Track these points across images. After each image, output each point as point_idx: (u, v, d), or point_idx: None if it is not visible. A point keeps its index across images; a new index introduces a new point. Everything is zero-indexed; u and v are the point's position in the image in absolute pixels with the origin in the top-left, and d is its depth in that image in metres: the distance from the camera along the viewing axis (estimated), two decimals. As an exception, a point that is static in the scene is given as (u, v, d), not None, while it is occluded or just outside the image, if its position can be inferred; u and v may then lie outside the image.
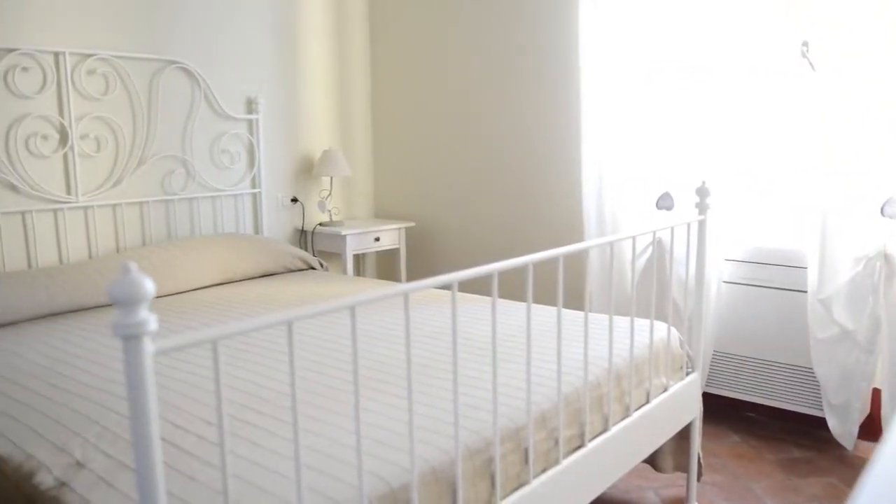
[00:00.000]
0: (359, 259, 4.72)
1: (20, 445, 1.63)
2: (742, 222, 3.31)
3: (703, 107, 3.22)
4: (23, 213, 3.15)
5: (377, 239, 4.26)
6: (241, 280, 3.46)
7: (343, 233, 4.05)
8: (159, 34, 3.56)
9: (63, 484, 1.44)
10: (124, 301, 0.92)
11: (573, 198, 3.79)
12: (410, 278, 4.60)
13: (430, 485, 1.49)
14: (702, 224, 2.48)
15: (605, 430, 2.07)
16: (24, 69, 3.11)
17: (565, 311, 2.73)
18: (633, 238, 2.14)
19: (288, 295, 3.12)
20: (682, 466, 2.62)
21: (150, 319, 0.94)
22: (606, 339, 2.33)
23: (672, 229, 2.36)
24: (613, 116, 3.44)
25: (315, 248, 4.27)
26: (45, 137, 3.19)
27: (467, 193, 4.27)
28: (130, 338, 0.93)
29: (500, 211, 4.12)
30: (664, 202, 3.35)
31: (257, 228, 4.07)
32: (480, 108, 4.13)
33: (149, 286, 0.93)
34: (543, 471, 1.81)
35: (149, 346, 0.95)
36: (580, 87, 3.53)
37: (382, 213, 4.77)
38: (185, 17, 3.66)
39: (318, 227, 4.22)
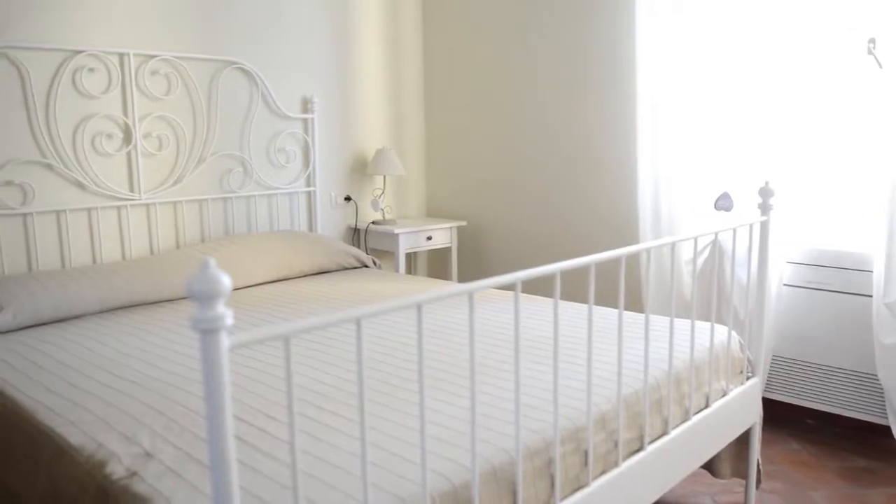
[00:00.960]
0: (410, 257, 4.74)
1: (91, 435, 1.68)
2: (804, 224, 3.22)
3: (764, 105, 3.15)
4: (89, 210, 3.24)
5: (429, 238, 4.28)
6: (296, 277, 3.51)
7: (395, 231, 4.08)
8: (218, 35, 3.63)
9: (133, 473, 1.48)
10: (203, 296, 0.94)
11: (627, 198, 3.74)
12: (461, 278, 4.61)
13: (491, 484, 1.49)
14: (764, 225, 2.43)
15: (664, 433, 2.04)
16: (91, 70, 3.20)
17: (614, 312, 2.70)
18: (695, 239, 2.11)
19: (344, 292, 3.15)
20: (741, 473, 2.57)
21: (227, 314, 0.96)
22: (664, 341, 2.30)
23: (734, 230, 2.32)
24: (670, 115, 3.39)
25: (367, 246, 4.31)
26: (109, 136, 3.28)
27: (519, 193, 4.26)
28: (208, 332, 0.95)
29: (552, 211, 4.10)
30: (723, 202, 3.29)
31: (311, 226, 4.12)
32: (534, 107, 4.11)
33: (226, 282, 0.95)
34: (602, 473, 1.80)
35: (225, 341, 0.97)
36: (636, 85, 3.49)
37: (434, 212, 4.78)
38: (244, 18, 3.72)
39: (371, 225, 4.25)
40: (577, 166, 3.96)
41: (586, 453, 1.74)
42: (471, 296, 1.36)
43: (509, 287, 2.08)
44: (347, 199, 4.32)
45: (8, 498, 1.80)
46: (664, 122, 3.41)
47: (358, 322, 1.17)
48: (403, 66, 4.55)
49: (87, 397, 1.92)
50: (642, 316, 2.61)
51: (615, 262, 3.55)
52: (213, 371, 0.96)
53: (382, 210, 4.35)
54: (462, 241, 4.61)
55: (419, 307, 1.26)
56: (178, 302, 3.03)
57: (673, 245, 1.98)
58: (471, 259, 4.59)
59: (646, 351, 1.92)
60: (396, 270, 4.14)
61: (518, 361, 1.46)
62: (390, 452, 1.52)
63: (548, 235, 4.15)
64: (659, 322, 2.55)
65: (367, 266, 3.80)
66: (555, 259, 4.08)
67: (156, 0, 3.39)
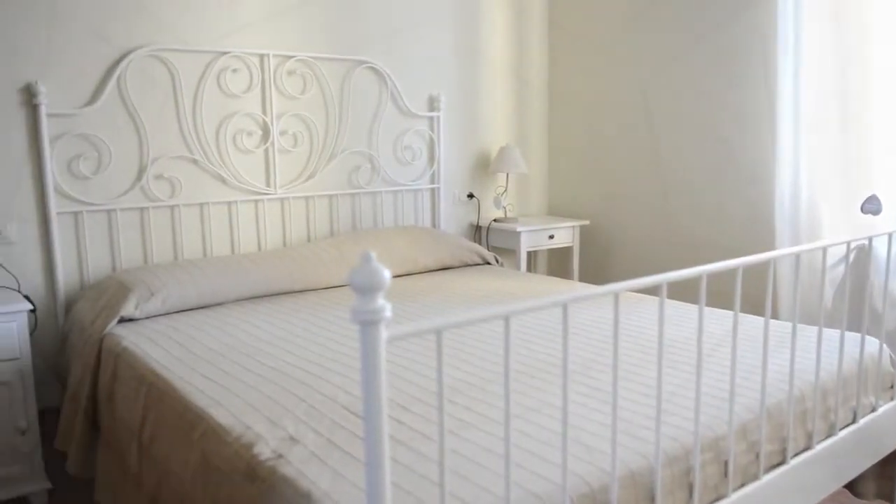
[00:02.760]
0: (531, 256, 4.72)
1: (239, 417, 1.76)
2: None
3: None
4: (229, 204, 3.42)
5: (551, 236, 4.24)
6: (420, 272, 3.56)
7: (518, 229, 4.07)
8: (351, 36, 3.73)
9: (280, 456, 1.55)
10: (365, 288, 0.96)
11: (763, 200, 3.57)
12: (582, 278, 4.55)
13: (629, 489, 1.46)
14: (923, 231, 2.26)
15: (808, 447, 1.94)
16: (234, 70, 3.37)
17: (754, 319, 2.59)
18: (848, 244, 1.99)
19: (470, 289, 3.17)
20: (885, 494, 2.40)
21: (386, 307, 0.98)
22: (809, 351, 2.19)
23: (890, 236, 2.17)
24: (812, 114, 3.21)
25: (489, 243, 4.32)
26: (249, 134, 3.45)
27: (645, 193, 4.15)
28: (368, 324, 0.98)
29: (680, 212, 3.97)
30: (871, 206, 3.08)
31: (434, 223, 4.18)
32: (660, 105, 3.99)
33: (387, 275, 0.98)
34: (742, 485, 1.73)
35: (384, 333, 0.99)
36: (776, 85, 3.33)
37: (556, 211, 4.74)
38: (375, 19, 3.81)
39: (493, 222, 4.26)
40: (707, 167, 3.82)
41: (726, 464, 1.67)
42: (616, 297, 1.34)
43: (653, 289, 2.03)
44: (470, 196, 4.35)
45: (162, 474, 1.92)
46: (806, 122, 3.23)
47: (507, 319, 1.17)
48: (528, 64, 4.54)
49: (233, 381, 2.02)
50: (783, 324, 2.49)
51: (749, 266, 3.40)
52: (371, 362, 0.99)
53: (505, 208, 4.36)
54: (583, 241, 4.55)
55: (565, 307, 1.25)
56: (309, 293, 3.15)
57: (825, 250, 1.88)
58: (591, 259, 4.52)
59: (791, 360, 1.83)
60: (518, 268, 4.13)
61: (661, 366, 1.43)
62: (528, 451, 1.52)
63: (675, 238, 4.03)
64: (800, 331, 2.42)
65: (489, 263, 3.81)
66: (680, 264, 3.95)
67: (294, 4, 3.53)
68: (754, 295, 3.43)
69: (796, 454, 1.89)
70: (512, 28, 4.43)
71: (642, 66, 4.08)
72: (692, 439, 1.60)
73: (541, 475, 1.42)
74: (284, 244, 3.61)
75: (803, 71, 3.22)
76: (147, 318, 2.73)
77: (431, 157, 4.13)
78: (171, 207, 3.26)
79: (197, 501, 1.70)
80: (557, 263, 4.73)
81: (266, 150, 3.51)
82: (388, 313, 0.99)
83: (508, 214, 4.50)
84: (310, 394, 1.90)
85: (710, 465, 1.64)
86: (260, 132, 3.49)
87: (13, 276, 2.89)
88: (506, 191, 4.39)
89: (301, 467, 1.49)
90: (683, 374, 2.02)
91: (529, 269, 4.72)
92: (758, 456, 1.76)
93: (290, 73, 3.53)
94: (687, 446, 1.60)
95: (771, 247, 3.49)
